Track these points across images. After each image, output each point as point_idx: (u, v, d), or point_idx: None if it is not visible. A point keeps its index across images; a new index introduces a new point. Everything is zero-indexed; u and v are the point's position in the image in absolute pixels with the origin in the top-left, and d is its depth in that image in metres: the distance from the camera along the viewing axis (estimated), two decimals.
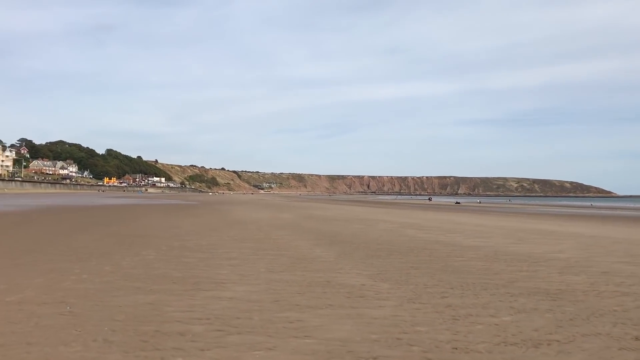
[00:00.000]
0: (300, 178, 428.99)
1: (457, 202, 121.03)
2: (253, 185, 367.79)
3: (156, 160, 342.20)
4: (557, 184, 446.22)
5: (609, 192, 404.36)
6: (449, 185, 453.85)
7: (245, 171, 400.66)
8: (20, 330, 6.30)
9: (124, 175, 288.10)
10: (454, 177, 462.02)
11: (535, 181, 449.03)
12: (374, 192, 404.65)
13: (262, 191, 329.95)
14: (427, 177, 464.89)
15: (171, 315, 7.24)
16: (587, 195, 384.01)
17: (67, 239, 17.75)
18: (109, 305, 7.78)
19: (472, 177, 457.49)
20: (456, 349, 5.97)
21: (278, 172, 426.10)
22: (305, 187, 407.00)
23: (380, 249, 16.21)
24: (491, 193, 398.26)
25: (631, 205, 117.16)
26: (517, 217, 47.80)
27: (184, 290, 9.02)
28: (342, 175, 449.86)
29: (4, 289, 8.94)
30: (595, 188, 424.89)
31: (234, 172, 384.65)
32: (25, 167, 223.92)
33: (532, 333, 6.62)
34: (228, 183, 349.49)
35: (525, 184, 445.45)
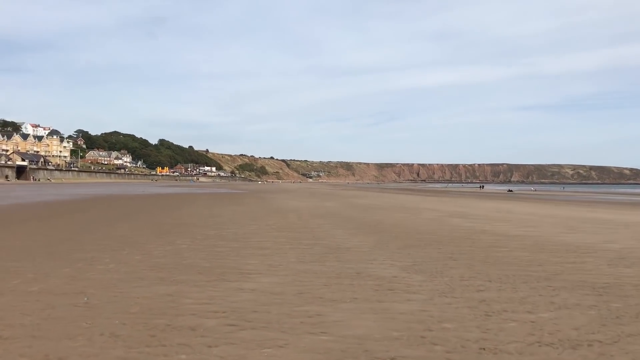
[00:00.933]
0: (348, 166, 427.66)
1: (509, 190, 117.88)
2: (301, 174, 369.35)
3: (207, 150, 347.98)
4: (616, 170, 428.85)
5: None
6: (501, 173, 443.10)
7: (294, 160, 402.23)
8: (29, 323, 6.17)
9: (176, 165, 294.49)
10: (507, 164, 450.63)
11: (592, 168, 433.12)
12: (424, 181, 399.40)
13: (310, 180, 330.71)
14: (479, 164, 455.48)
15: (187, 308, 6.99)
16: None
17: (106, 228, 17.94)
18: (127, 297, 7.60)
19: (525, 165, 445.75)
20: (483, 349, 5.46)
21: (326, 160, 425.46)
22: (354, 176, 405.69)
23: (420, 239, 15.64)
24: (545, 180, 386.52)
25: None
26: (570, 205, 45.96)
27: (208, 281, 8.78)
28: (391, 164, 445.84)
29: (31, 278, 8.92)
30: None
31: (283, 160, 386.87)
32: (81, 157, 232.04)
33: (571, 332, 6.03)
34: (277, 172, 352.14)
35: (581, 171, 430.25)
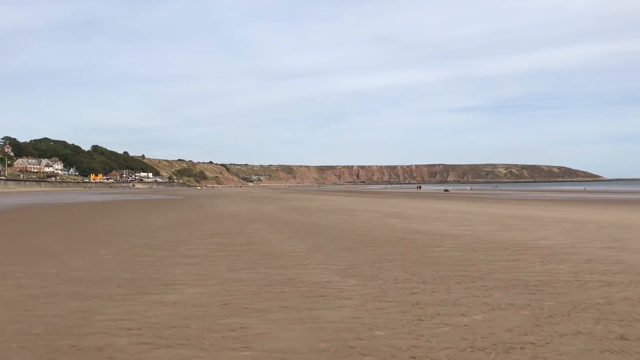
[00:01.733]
0: (289, 170, 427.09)
1: (445, 190, 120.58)
2: (242, 178, 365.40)
3: (143, 156, 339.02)
4: (546, 169, 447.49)
5: (597, 176, 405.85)
6: (438, 173, 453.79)
7: (234, 164, 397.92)
8: None
9: (110, 172, 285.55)
10: (443, 164, 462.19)
11: (523, 167, 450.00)
12: (364, 182, 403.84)
13: (251, 184, 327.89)
14: (416, 165, 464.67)
15: (99, 326, 6.37)
16: (575, 179, 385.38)
17: (26, 239, 16.78)
18: (33, 315, 6.90)
19: (461, 165, 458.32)
20: (414, 358, 5.16)
21: (267, 164, 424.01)
22: (295, 179, 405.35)
23: (357, 241, 15.41)
24: (480, 180, 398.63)
25: (622, 188, 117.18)
26: (503, 203, 47.23)
27: (126, 295, 8.15)
28: (332, 166, 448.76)
29: None
30: (583, 172, 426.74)
31: (222, 165, 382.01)
32: (9, 165, 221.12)
33: (505, 335, 5.83)
34: (216, 176, 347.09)
35: (514, 170, 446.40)
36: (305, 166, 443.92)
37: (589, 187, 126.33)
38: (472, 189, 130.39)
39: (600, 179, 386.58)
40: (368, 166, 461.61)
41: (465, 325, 6.22)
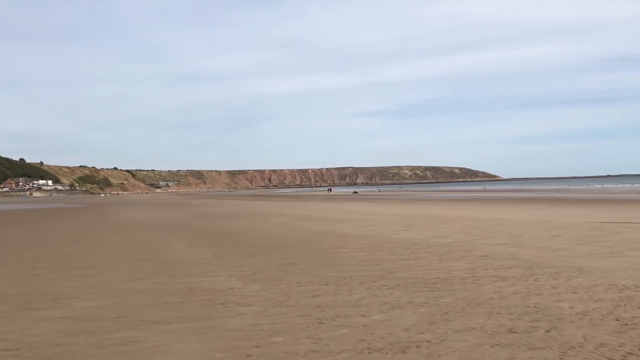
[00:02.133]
0: (199, 175, 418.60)
1: (354, 192, 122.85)
2: (149, 185, 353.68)
3: (41, 162, 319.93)
4: (448, 170, 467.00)
5: (495, 176, 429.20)
6: (347, 176, 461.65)
7: (141, 170, 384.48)
8: None
9: (5, 180, 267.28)
10: (353, 167, 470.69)
11: (427, 168, 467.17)
12: (276, 186, 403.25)
13: (159, 190, 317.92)
14: (326, 168, 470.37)
15: None
16: (475, 179, 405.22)
17: None
18: None
19: (369, 167, 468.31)
20: None
21: (175, 169, 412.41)
22: (205, 184, 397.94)
23: (264, 246, 15.24)
24: (387, 181, 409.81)
25: (517, 187, 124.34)
26: (409, 203, 48.75)
27: (9, 312, 7.52)
28: (243, 170, 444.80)
29: None
30: (482, 173, 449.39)
31: (128, 171, 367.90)
32: None
33: (402, 334, 5.89)
34: (122, 183, 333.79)
35: (418, 172, 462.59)
36: (216, 171, 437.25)
37: (488, 187, 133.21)
38: (380, 190, 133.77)
39: (498, 178, 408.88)
40: (280, 170, 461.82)
41: (365, 326, 6.23)
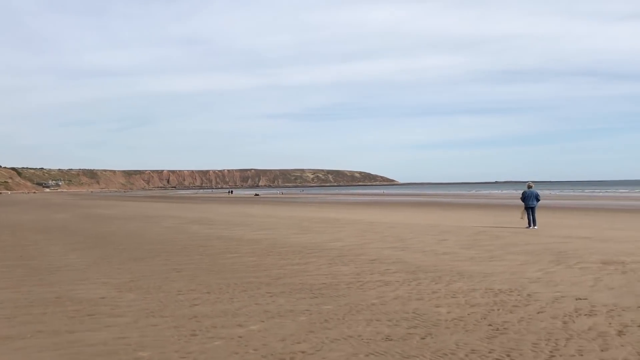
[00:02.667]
0: (92, 174, 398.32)
1: (256, 194, 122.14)
2: (37, 184, 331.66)
3: None
4: (348, 174, 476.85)
5: (393, 181, 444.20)
6: (250, 178, 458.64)
7: (27, 168, 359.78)
8: None
9: None
10: (255, 169, 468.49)
11: (329, 172, 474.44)
12: (174, 187, 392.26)
13: (47, 190, 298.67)
14: (228, 170, 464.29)
15: None
16: (374, 183, 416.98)
17: None
18: None
19: (272, 170, 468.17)
20: None
21: (67, 168, 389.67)
22: (99, 184, 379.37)
23: (151, 250, 14.51)
24: (290, 184, 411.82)
25: (414, 191, 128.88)
26: (309, 206, 49.02)
27: None
28: (140, 171, 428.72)
29: None
30: (381, 177, 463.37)
31: (13, 169, 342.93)
32: None
33: (277, 345, 5.64)
34: (6, 182, 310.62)
35: (320, 175, 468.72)
36: (111, 170, 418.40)
37: (387, 191, 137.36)
38: (283, 193, 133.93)
39: (395, 183, 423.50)
40: (179, 171, 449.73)
41: (240, 337, 5.92)
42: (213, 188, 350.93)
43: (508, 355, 5.20)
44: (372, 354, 5.29)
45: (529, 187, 21.12)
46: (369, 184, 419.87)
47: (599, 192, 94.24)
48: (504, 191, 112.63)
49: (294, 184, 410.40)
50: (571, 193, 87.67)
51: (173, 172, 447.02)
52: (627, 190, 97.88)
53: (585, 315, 6.71)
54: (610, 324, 6.28)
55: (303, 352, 5.40)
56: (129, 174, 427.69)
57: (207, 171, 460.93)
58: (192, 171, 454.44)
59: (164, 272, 10.71)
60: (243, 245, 15.42)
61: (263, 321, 6.63)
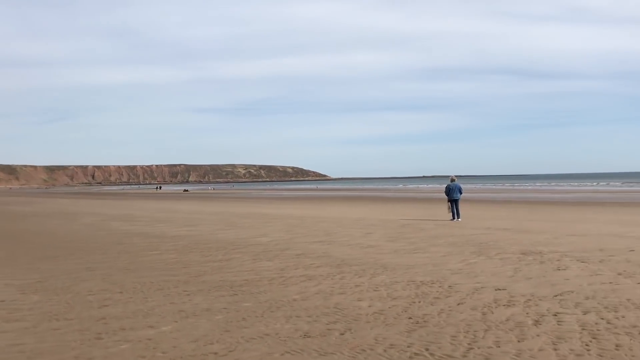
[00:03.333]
0: (10, 170, 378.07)
1: (185, 190, 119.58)
2: None
3: None
4: (281, 169, 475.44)
5: (325, 176, 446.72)
6: (179, 174, 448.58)
7: None
8: None
9: None
10: (185, 165, 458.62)
11: (261, 167, 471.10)
12: (100, 183, 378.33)
13: None
14: (157, 165, 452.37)
15: None
16: (307, 179, 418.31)
17: None
18: None
19: (202, 165, 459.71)
20: None
21: None
22: (18, 180, 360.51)
23: (64, 248, 13.69)
24: (221, 180, 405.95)
25: (345, 186, 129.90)
26: (238, 202, 48.36)
27: None
28: (63, 166, 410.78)
29: None
30: (314, 172, 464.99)
31: None
32: None
33: (189, 346, 5.30)
34: None
35: (252, 170, 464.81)
36: (32, 166, 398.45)
37: (320, 186, 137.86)
38: (214, 189, 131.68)
39: (328, 178, 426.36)
40: (105, 166, 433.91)
41: (149, 340, 5.54)
42: (141, 184, 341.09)
43: (427, 349, 5.10)
44: (289, 353, 5.05)
45: (452, 180, 21.53)
46: (302, 179, 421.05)
47: (520, 185, 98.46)
48: (430, 185, 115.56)
49: (225, 180, 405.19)
50: (493, 187, 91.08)
51: (98, 167, 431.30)
52: (545, 184, 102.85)
53: (504, 305, 6.76)
54: (527, 314, 6.33)
55: (215, 353, 5.09)
56: (51, 169, 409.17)
57: (135, 167, 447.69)
58: (119, 167, 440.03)
59: (75, 271, 10.06)
60: (165, 242, 14.84)
61: (176, 321, 6.26)
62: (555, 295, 7.22)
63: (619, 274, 8.76)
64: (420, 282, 8.37)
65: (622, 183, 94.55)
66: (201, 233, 17.24)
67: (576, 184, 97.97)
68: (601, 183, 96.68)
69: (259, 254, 11.86)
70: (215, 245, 13.76)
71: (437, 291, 7.66)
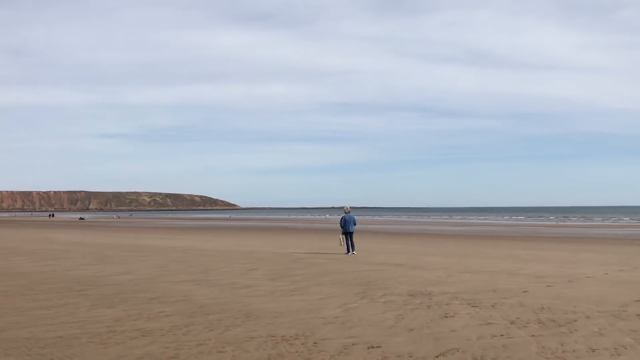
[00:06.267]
0: None
1: (81, 218, 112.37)
2: None
3: None
4: (188, 197, 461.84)
5: (234, 205, 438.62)
6: (79, 201, 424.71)
7: None
8: None
9: None
10: (85, 191, 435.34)
11: (167, 195, 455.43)
12: None
13: None
14: (55, 191, 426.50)
15: None
16: (215, 208, 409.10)
17: None
18: None
19: (104, 192, 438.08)
20: None
21: None
22: None
23: None
24: (124, 208, 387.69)
25: (263, 216, 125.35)
26: (130, 232, 45.17)
27: None
28: None
29: None
30: (222, 201, 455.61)
31: None
32: None
33: None
34: None
35: (157, 198, 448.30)
36: None
37: (234, 215, 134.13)
38: (119, 217, 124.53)
39: (237, 207, 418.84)
40: None
41: None
42: (35, 211, 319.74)
43: None
44: None
45: (347, 212, 20.26)
46: (210, 208, 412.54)
47: (421, 218, 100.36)
48: (337, 215, 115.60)
49: (129, 208, 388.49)
50: (397, 219, 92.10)
51: None
52: (446, 217, 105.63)
53: None
54: None
55: None
56: None
57: (30, 192, 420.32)
58: (13, 192, 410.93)
59: None
60: (3, 280, 12.40)
61: None
62: (437, 357, 5.89)
63: (512, 322, 7.64)
64: (282, 337, 6.80)
65: (526, 217, 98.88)
66: (57, 269, 14.84)
67: (474, 217, 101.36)
68: (504, 217, 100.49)
69: (104, 298, 9.85)
70: (61, 285, 11.54)
71: (297, 351, 6.12)
